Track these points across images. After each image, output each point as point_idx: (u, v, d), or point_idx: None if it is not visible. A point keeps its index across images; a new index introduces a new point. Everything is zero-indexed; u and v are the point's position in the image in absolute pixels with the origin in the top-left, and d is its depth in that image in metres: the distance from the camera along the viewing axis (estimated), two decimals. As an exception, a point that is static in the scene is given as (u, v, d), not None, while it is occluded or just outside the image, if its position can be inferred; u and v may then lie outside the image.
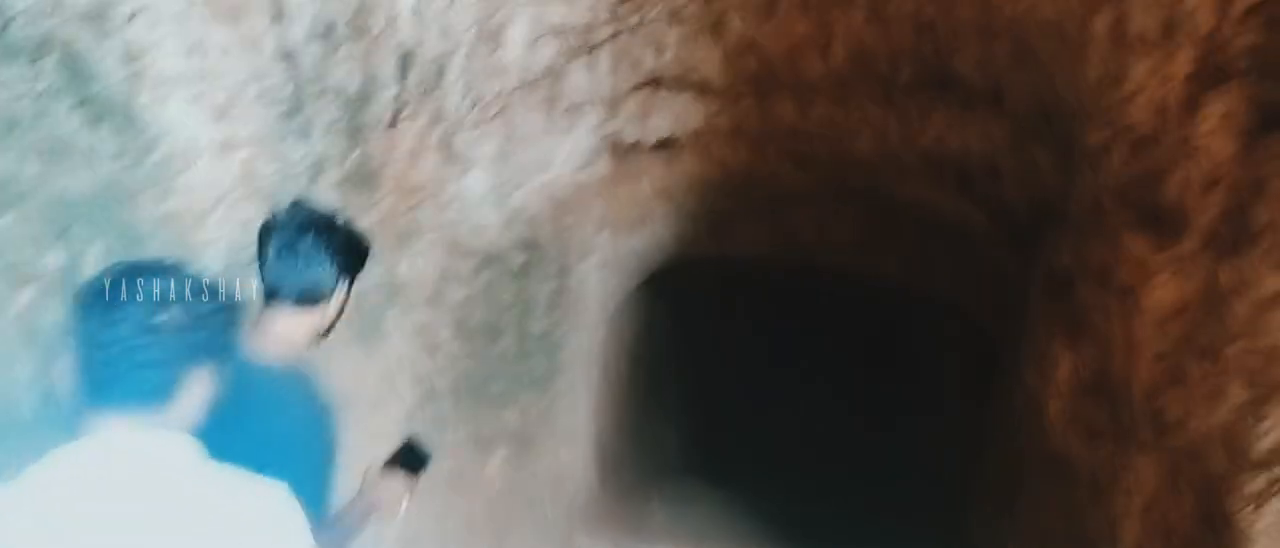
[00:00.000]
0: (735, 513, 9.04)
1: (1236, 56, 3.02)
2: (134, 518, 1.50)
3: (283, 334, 2.36)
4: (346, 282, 2.44)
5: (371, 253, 2.53)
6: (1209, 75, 3.12)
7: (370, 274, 2.86)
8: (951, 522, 7.52)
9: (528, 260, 5.62)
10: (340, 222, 2.45)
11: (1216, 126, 3.06)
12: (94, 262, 2.62)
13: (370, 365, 4.27)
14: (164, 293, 1.59)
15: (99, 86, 2.64)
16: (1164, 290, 3.41)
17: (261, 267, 2.35)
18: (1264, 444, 2.69)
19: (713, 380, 11.94)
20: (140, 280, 1.59)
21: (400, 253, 4.41)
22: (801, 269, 9.44)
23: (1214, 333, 3.05)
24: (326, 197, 3.79)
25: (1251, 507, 2.69)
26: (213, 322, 1.65)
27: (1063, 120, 4.67)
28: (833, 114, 5.93)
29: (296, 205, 2.46)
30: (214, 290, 1.68)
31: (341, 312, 2.48)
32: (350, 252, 2.43)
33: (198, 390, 1.65)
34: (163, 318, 1.57)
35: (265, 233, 2.36)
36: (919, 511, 9.02)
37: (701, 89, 5.87)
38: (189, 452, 1.61)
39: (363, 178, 4.02)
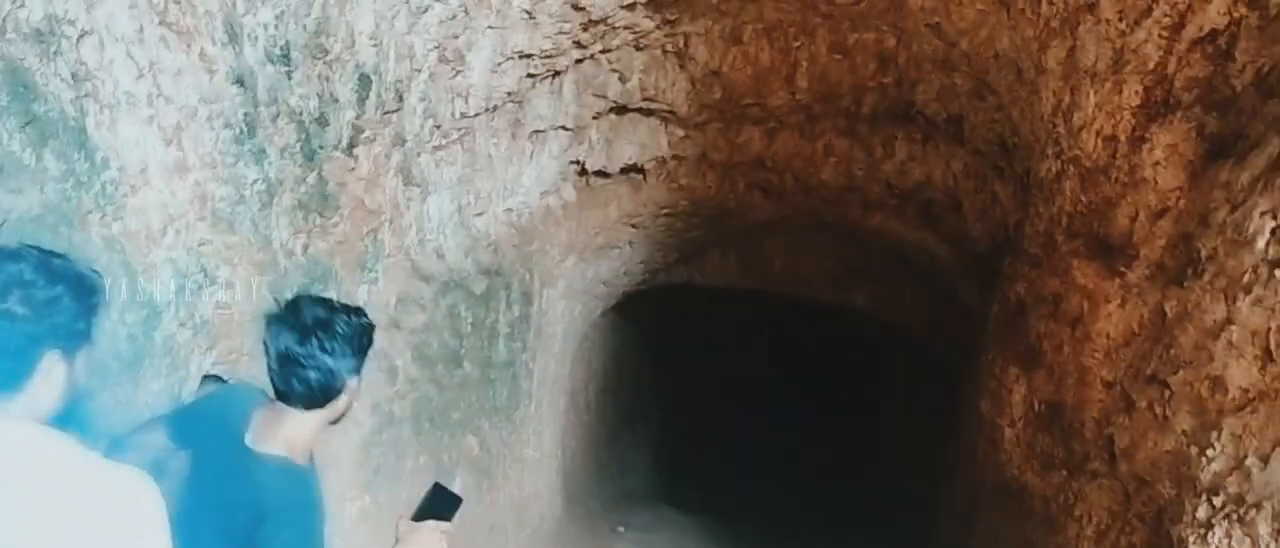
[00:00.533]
0: (702, 540, 9.01)
1: (1183, 89, 3.07)
2: None
3: (290, 435, 2.34)
4: (356, 375, 2.41)
5: (334, 276, 2.53)
6: (1156, 107, 3.17)
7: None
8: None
9: (490, 286, 5.60)
10: (340, 317, 2.37)
11: (1163, 158, 3.11)
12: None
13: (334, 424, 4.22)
14: (12, 278, 1.59)
15: (46, 107, 2.61)
16: (1113, 320, 3.44)
17: (267, 368, 2.32)
18: (1210, 471, 2.71)
19: (681, 408, 11.93)
20: None
21: (359, 278, 4.37)
22: (770, 297, 9.47)
23: (1161, 362, 3.07)
24: (281, 220, 3.77)
25: (1198, 533, 2.70)
26: (64, 307, 1.65)
27: (1020, 153, 4.73)
28: (798, 144, 5.98)
29: (295, 308, 2.37)
30: (66, 275, 1.68)
31: (351, 403, 2.46)
32: (355, 345, 2.38)
33: (53, 378, 1.64)
34: (9, 303, 1.57)
35: (267, 335, 2.32)
36: (886, 540, 9.03)
37: (666, 116, 5.89)
38: (37, 438, 1.58)
39: (320, 201, 3.99)
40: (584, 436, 8.70)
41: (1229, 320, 2.67)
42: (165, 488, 1.81)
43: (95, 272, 1.84)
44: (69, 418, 1.79)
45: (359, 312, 2.46)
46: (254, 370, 3.11)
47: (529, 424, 6.65)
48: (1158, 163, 3.13)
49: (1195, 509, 2.75)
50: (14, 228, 2.48)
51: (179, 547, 1.89)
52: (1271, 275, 2.49)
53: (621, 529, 8.91)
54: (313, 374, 2.26)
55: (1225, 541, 2.59)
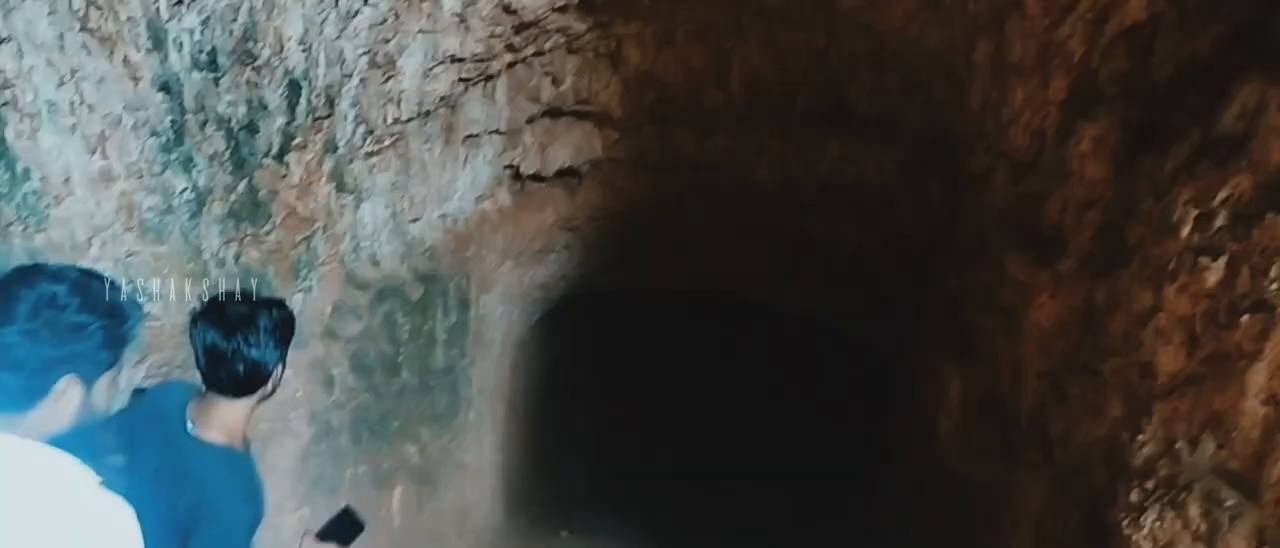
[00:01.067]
0: (647, 543, 9.01)
1: (1107, 82, 3.14)
2: None
3: (225, 421, 2.50)
4: (280, 362, 2.55)
5: (267, 285, 2.58)
6: (1082, 101, 3.24)
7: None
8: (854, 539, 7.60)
9: (427, 293, 5.54)
10: (262, 312, 2.48)
11: (1090, 150, 3.17)
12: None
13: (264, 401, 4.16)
14: (47, 298, 1.63)
15: (-38, 117, 2.54)
16: (1045, 311, 3.50)
17: (196, 362, 2.45)
18: (1141, 455, 2.77)
19: (620, 411, 11.92)
20: (25, 284, 1.64)
21: (292, 286, 4.30)
22: (708, 298, 9.51)
23: (1092, 350, 3.14)
24: (211, 229, 3.70)
25: (1131, 516, 2.76)
26: (89, 336, 1.68)
27: (951, 149, 4.80)
28: (732, 144, 6.01)
29: (218, 306, 2.47)
30: (100, 302, 1.71)
31: (277, 385, 2.60)
32: (277, 335, 2.50)
33: (65, 401, 1.67)
34: (36, 325, 1.61)
35: (193, 332, 2.44)
36: (828, 536, 9.10)
37: (601, 119, 5.89)
38: (37, 457, 1.60)
39: (251, 209, 3.92)
40: (523, 442, 8.65)
41: (1156, 307, 2.74)
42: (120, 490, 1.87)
43: (134, 300, 1.87)
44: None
45: (280, 305, 2.58)
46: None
47: (468, 431, 6.59)
48: (1084, 155, 3.20)
49: (1128, 493, 2.81)
50: (-66, 240, 2.41)
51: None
52: (1196, 263, 2.56)
53: (565, 535, 8.87)
54: (239, 367, 2.40)
55: (1158, 523, 2.66)
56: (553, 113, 5.75)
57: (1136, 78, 3.03)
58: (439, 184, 5.42)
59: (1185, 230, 2.61)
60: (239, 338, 2.39)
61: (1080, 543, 3.31)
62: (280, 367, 2.56)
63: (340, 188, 4.56)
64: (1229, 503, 2.42)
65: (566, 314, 8.90)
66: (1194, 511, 2.53)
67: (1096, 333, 3.11)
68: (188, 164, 3.48)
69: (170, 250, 3.50)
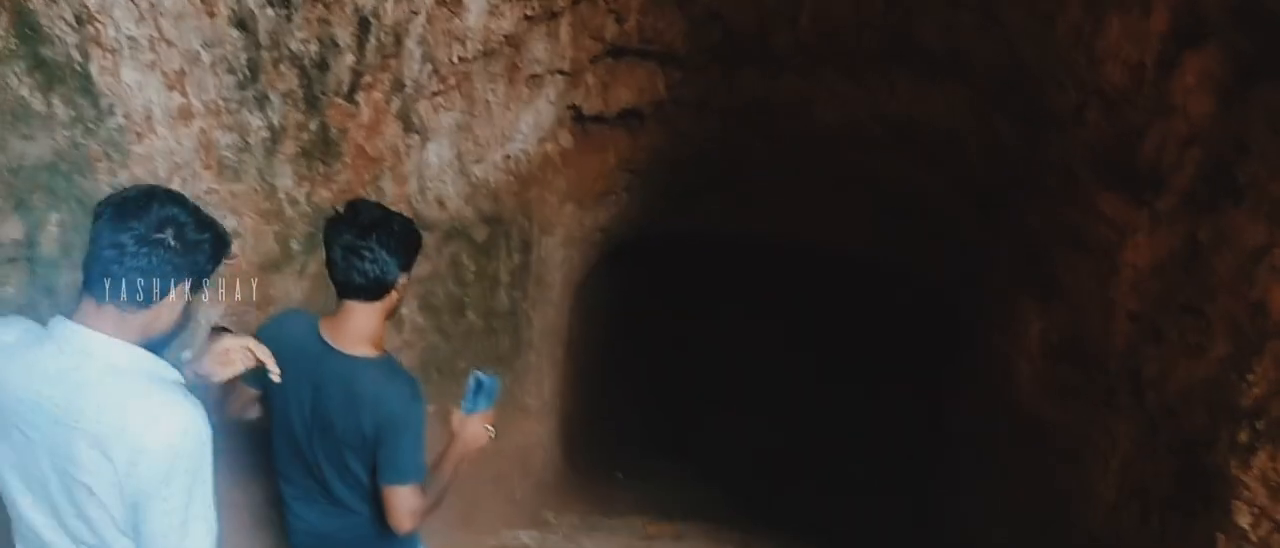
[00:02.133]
0: (698, 487, 9.04)
1: (1214, 11, 3.00)
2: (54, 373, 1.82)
3: (364, 331, 2.66)
4: (406, 273, 2.70)
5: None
6: (1186, 32, 3.10)
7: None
8: (919, 492, 7.56)
9: (491, 235, 5.52)
10: (395, 218, 2.67)
11: (1195, 84, 3.05)
12: (53, 234, 2.52)
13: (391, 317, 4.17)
14: (170, 217, 1.88)
15: (52, 50, 2.51)
16: (1140, 250, 3.41)
17: (329, 265, 2.62)
18: (1250, 395, 2.69)
19: (675, 357, 11.91)
20: (153, 200, 1.88)
21: (363, 227, 4.29)
22: (765, 242, 9.43)
23: (1194, 290, 3.05)
24: (285, 168, 3.69)
25: (1241, 458, 2.69)
26: (202, 249, 1.93)
27: (1027, 87, 4.66)
28: (798, 85, 5.89)
29: (355, 207, 2.68)
30: (209, 224, 1.96)
31: (402, 297, 2.76)
32: (407, 246, 2.69)
33: (176, 303, 1.93)
34: (162, 236, 1.85)
35: (329, 233, 2.60)
36: (887, 482, 9.07)
37: (665, 59, 5.79)
38: (123, 354, 1.86)
39: (323, 148, 3.90)
40: (580, 385, 8.67)
41: (1271, 244, 2.64)
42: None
43: (225, 230, 2.07)
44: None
45: (408, 219, 2.74)
46: (262, 322, 3.05)
47: (530, 374, 6.60)
48: (1189, 89, 3.07)
49: (1234, 435, 2.74)
50: (29, 174, 2.40)
51: (305, 452, 2.69)
52: (1318, 197, 2.46)
53: (620, 476, 8.92)
54: (370, 267, 2.55)
55: (1270, 463, 2.58)
56: (616, 52, 5.66)
57: (1247, 6, 2.90)
58: (502, 125, 5.37)
59: (1306, 164, 2.51)
60: (374, 238, 2.54)
61: (1172, 487, 3.24)
62: (406, 276, 2.69)
63: (407, 127, 4.54)
64: (1348, 444, 2.34)
65: (626, 258, 8.86)
66: (1310, 452, 2.46)
67: (1200, 272, 3.01)
68: (262, 102, 3.46)
69: (246, 189, 3.50)
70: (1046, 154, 4.32)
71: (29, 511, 1.90)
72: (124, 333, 1.87)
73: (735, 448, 10.52)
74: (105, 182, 2.75)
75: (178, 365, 2.04)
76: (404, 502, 2.60)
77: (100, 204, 1.89)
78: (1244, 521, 2.68)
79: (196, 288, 1.99)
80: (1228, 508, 2.75)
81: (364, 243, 2.54)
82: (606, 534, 6.47)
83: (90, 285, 1.86)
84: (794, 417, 11.45)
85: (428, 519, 2.78)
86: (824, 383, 12.05)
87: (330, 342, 2.65)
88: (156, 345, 1.96)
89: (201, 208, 2.00)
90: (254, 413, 2.84)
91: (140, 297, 1.85)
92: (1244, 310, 2.75)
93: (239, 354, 2.26)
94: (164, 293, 1.88)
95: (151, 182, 2.96)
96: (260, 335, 2.49)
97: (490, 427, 2.90)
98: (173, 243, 1.86)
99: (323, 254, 2.65)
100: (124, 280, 1.83)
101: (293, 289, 3.88)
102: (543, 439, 7.23)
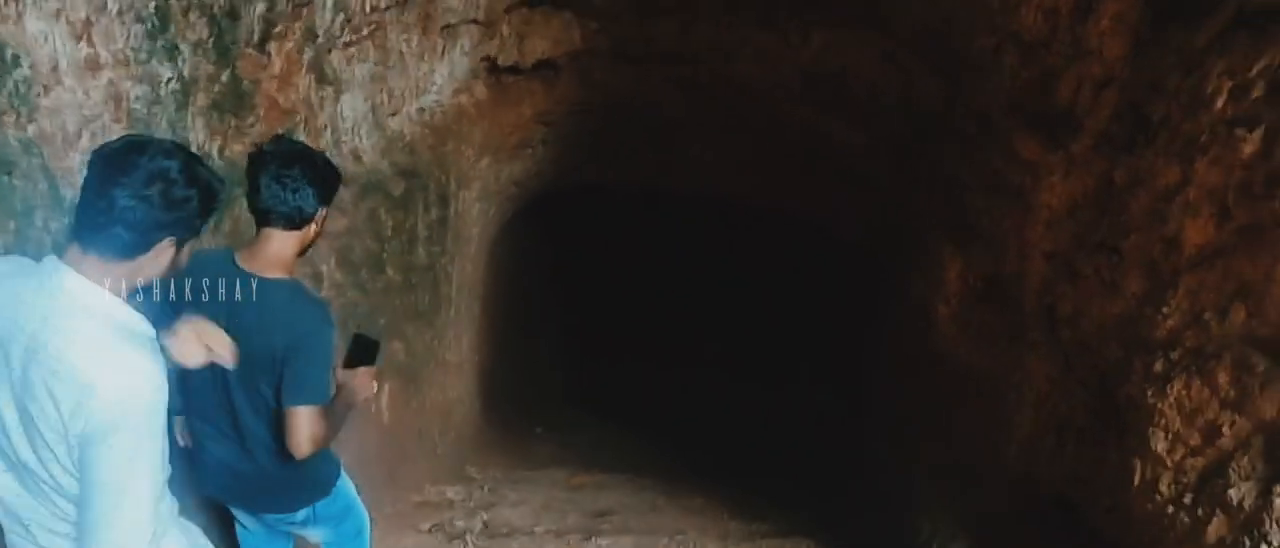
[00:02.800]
0: (618, 438, 9.09)
1: (1127, -43, 3.07)
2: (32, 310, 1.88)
3: (278, 256, 2.73)
4: (323, 206, 2.77)
5: None
6: (1101, -23, 3.17)
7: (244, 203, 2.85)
8: (841, 439, 7.70)
9: (408, 189, 5.42)
10: (316, 155, 2.79)
11: (1109, 28, 3.13)
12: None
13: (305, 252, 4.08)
14: (160, 171, 1.88)
15: (-52, -3, 2.38)
16: (1055, 191, 3.50)
17: (251, 195, 2.69)
18: (1165, 327, 2.79)
19: (594, 307, 11.91)
20: (144, 154, 1.90)
21: (278, 181, 4.18)
22: (682, 195, 9.44)
23: (1109, 229, 3.14)
24: (197, 121, 3.57)
25: (1157, 388, 2.79)
26: (189, 206, 1.95)
27: (943, 32, 4.72)
28: (715, 35, 5.87)
29: (279, 139, 2.83)
30: (198, 179, 1.97)
31: (320, 232, 2.84)
32: (327, 181, 2.77)
33: (161, 256, 1.96)
34: (149, 192, 1.87)
35: (254, 164, 2.68)
36: (808, 425, 9.22)
37: (580, 9, 5.72)
38: (96, 298, 1.91)
39: (235, 101, 3.77)
40: (497, 339, 8.63)
41: (1185, 181, 2.73)
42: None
43: (220, 179, 2.10)
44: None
45: (327, 157, 2.85)
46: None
47: (449, 329, 6.54)
48: (1104, 33, 3.15)
49: (1149, 366, 2.84)
50: (-65, 126, 2.28)
51: (219, 379, 2.71)
52: (1231, 134, 2.54)
53: (539, 430, 8.93)
54: (292, 196, 2.63)
55: (1184, 391, 2.69)
56: (531, 2, 5.58)
57: (1158, -49, 2.97)
58: (417, 76, 5.27)
59: (1219, 102, 2.59)
60: (297, 168, 2.64)
61: (1086, 419, 3.36)
62: (323, 210, 2.77)
63: (320, 79, 4.42)
64: (1260, 369, 2.45)
65: (540, 211, 8.81)
66: (1223, 378, 2.56)
67: (1115, 211, 3.11)
68: (172, 52, 3.33)
69: (159, 143, 3.36)
70: (963, 100, 4.39)
71: (11, 430, 1.94)
72: (107, 281, 1.92)
73: (654, 400, 10.59)
74: (13, 136, 2.62)
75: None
76: (304, 424, 2.64)
77: (93, 152, 1.93)
78: (1160, 446, 2.80)
79: (182, 242, 2.02)
80: (1144, 436, 2.86)
81: (288, 172, 2.62)
82: (530, 487, 6.48)
83: (77, 233, 1.91)
84: (714, 370, 11.57)
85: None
86: (745, 337, 12.19)
87: (245, 267, 2.73)
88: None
89: (196, 160, 2.01)
90: None
91: (125, 249, 1.90)
92: (1158, 247, 2.85)
93: (196, 349, 2.28)
94: (148, 247, 1.92)
95: (62, 137, 2.84)
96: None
97: (375, 382, 2.99)
98: (158, 200, 1.88)
99: (236, 211, 2.75)
100: (109, 232, 1.87)
101: (206, 247, 3.77)
102: (463, 395, 7.19)
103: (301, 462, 2.72)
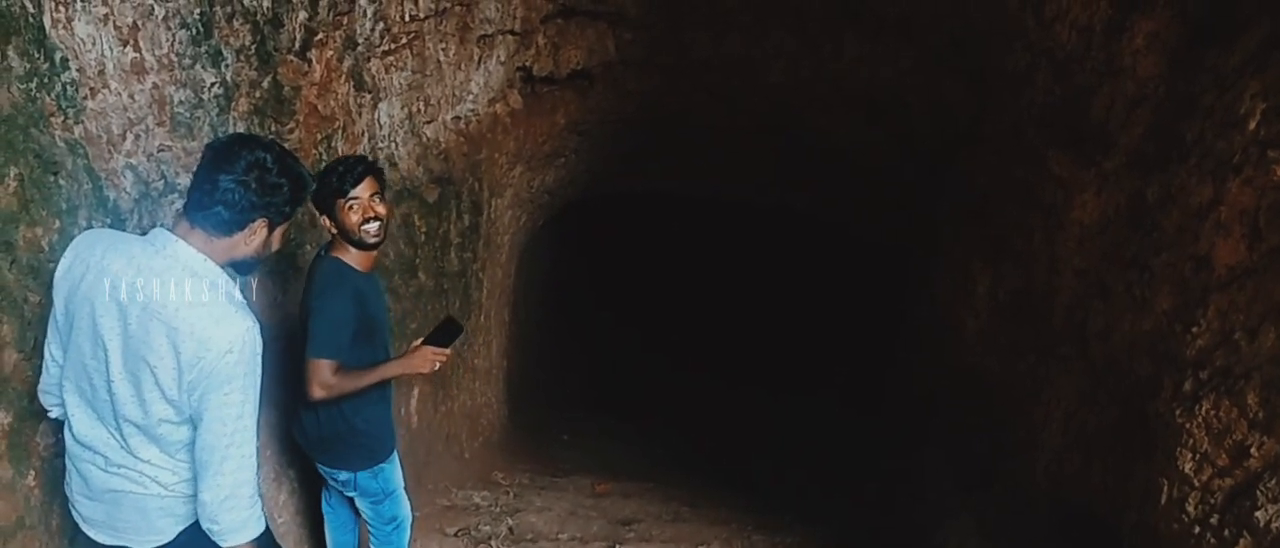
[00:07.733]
0: (644, 447, 9.09)
1: (1163, -25, 3.07)
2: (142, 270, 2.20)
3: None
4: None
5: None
6: (1135, -4, 3.18)
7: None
8: (866, 449, 7.68)
9: (442, 195, 5.49)
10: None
11: (1143, 46, 3.13)
12: (12, 189, 2.46)
13: (287, 300, 4.13)
14: (258, 161, 2.20)
15: (6, 1, 2.45)
16: (1087, 208, 3.50)
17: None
18: (1195, 346, 2.79)
19: (622, 315, 11.93)
20: (246, 147, 2.22)
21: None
22: (711, 202, 9.45)
23: (1140, 246, 3.14)
24: (238, 126, 3.63)
25: (1185, 407, 2.79)
26: (280, 192, 2.27)
27: (974, 46, 4.73)
28: (746, 45, 5.91)
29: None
30: (290, 170, 2.29)
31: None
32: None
33: (254, 237, 2.30)
34: (247, 179, 2.19)
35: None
36: (835, 433, 9.19)
37: (615, 19, 5.78)
38: (203, 265, 2.24)
39: (275, 106, 3.85)
40: (525, 346, 8.68)
41: (1217, 201, 2.73)
42: None
43: (310, 175, 2.45)
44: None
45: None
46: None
47: (479, 335, 6.60)
48: (1138, 51, 3.15)
49: (1179, 384, 2.84)
50: (-12, 127, 2.34)
51: None
52: (1263, 155, 2.54)
53: (566, 437, 8.96)
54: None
55: (1213, 411, 2.68)
56: (566, 12, 5.64)
57: (1194, -31, 2.98)
58: (453, 85, 5.34)
59: (1252, 123, 2.59)
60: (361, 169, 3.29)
61: (1114, 436, 3.35)
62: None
63: (358, 86, 4.49)
64: (1290, 392, 2.44)
65: (571, 218, 8.85)
66: (1252, 399, 2.55)
67: (1146, 228, 3.10)
68: (216, 58, 3.40)
69: (200, 147, 3.42)
70: (995, 114, 4.40)
71: (93, 376, 2.25)
72: (209, 253, 2.25)
73: (681, 407, 10.59)
74: (61, 137, 2.69)
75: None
76: (313, 372, 3.15)
77: (206, 145, 2.28)
78: (1187, 466, 2.79)
79: (274, 224, 2.35)
80: (1172, 454, 2.85)
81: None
82: (556, 494, 6.51)
83: (188, 210, 2.23)
84: (741, 377, 11.54)
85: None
86: (773, 347, 12.15)
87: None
88: (243, 268, 2.42)
89: (290, 155, 2.33)
90: None
91: (224, 226, 2.22)
92: (1189, 265, 2.84)
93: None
94: (243, 225, 2.25)
95: (106, 139, 2.91)
96: None
97: (440, 360, 3.34)
98: (254, 185, 2.20)
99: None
100: (211, 210, 2.19)
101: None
102: (491, 400, 7.25)
103: (347, 427, 3.33)
